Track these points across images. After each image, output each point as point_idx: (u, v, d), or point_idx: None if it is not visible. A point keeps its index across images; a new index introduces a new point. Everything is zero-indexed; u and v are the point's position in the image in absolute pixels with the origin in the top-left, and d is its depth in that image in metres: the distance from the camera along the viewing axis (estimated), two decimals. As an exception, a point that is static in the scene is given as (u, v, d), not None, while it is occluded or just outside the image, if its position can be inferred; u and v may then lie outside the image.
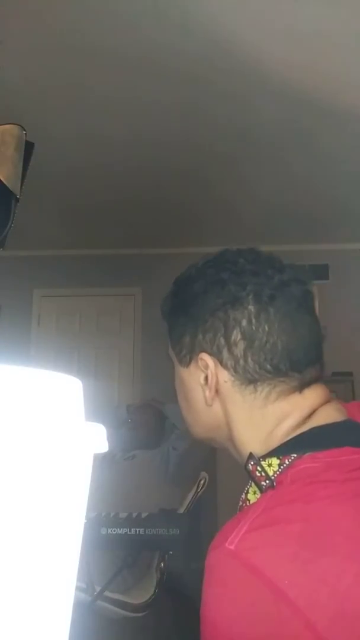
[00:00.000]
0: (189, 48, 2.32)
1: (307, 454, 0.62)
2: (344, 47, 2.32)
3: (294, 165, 3.27)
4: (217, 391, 0.70)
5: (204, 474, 2.45)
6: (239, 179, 3.45)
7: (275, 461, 0.64)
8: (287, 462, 0.63)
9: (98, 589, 1.92)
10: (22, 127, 0.93)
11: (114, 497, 2.20)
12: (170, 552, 2.15)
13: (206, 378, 0.70)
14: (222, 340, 0.68)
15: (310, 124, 2.85)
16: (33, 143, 0.94)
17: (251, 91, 2.60)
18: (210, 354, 0.69)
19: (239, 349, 0.67)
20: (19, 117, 0.98)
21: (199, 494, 2.38)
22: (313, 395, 0.69)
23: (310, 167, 3.29)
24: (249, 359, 0.67)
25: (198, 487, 2.39)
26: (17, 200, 0.89)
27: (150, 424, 2.80)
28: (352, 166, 3.25)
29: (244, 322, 0.67)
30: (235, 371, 0.68)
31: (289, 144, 3.05)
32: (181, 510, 2.31)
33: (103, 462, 2.52)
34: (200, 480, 2.41)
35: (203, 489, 2.40)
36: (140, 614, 2.13)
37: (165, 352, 0.77)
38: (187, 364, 0.73)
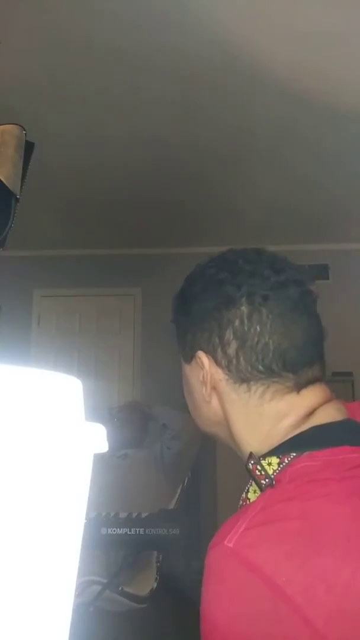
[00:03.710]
0: (189, 47, 2.32)
1: (305, 453, 0.63)
2: (346, 47, 2.32)
3: (294, 166, 3.27)
4: (214, 388, 0.72)
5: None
6: (240, 178, 3.45)
7: (274, 460, 0.64)
8: (286, 461, 0.63)
9: (121, 586, 2.00)
10: (22, 127, 0.93)
11: (113, 496, 2.21)
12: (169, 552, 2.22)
13: (203, 375, 0.72)
14: (217, 340, 0.70)
15: (311, 124, 2.86)
16: (33, 143, 0.95)
17: (252, 91, 2.61)
18: (206, 352, 0.71)
19: (232, 349, 0.69)
20: (19, 117, 0.98)
21: (184, 488, 2.54)
22: (311, 395, 0.69)
23: (311, 167, 3.28)
24: (241, 359, 0.68)
25: (184, 483, 2.52)
26: (17, 200, 0.90)
27: (136, 423, 2.86)
28: (352, 166, 3.25)
29: (237, 323, 0.69)
30: (229, 370, 0.70)
31: (290, 144, 3.05)
32: (171, 505, 2.43)
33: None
34: (185, 477, 2.54)
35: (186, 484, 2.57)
36: (143, 605, 2.19)
37: (165, 350, 0.79)
38: (189, 361, 0.75)
